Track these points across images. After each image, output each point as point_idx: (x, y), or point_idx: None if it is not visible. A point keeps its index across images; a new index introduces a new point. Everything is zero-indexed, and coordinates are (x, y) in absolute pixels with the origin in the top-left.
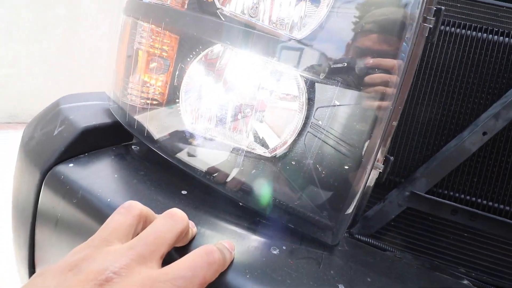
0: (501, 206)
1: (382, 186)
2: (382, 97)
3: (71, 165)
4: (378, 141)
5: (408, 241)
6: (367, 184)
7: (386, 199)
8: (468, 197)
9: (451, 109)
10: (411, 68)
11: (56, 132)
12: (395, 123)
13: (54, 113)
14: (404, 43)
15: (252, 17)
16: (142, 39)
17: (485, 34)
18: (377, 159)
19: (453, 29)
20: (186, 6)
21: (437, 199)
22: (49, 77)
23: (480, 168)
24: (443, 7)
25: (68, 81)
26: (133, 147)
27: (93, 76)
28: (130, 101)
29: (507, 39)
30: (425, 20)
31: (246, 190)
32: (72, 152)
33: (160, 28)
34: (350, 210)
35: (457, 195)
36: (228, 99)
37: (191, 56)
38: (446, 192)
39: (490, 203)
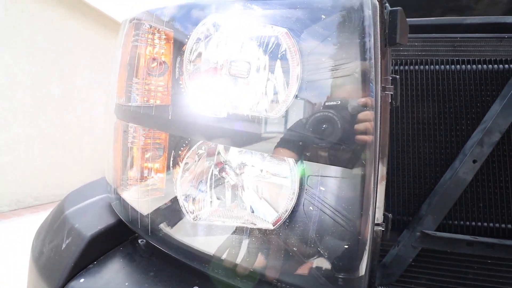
0: None
1: (392, 227)
2: (363, 164)
3: (82, 280)
4: (371, 204)
5: (434, 280)
6: (372, 243)
7: (399, 242)
8: (485, 224)
9: (436, 140)
10: (384, 132)
11: (64, 246)
12: (384, 182)
13: (60, 222)
14: (372, 112)
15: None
16: (134, 139)
17: (448, 66)
18: (376, 218)
19: (421, 67)
20: (170, 116)
21: (449, 235)
22: (47, 156)
23: (482, 192)
24: (398, 76)
25: (66, 156)
26: (139, 241)
27: (90, 146)
28: (130, 197)
29: (469, 66)
30: (384, 89)
31: (254, 277)
32: (81, 264)
33: (149, 131)
34: (362, 272)
35: (468, 223)
36: (223, 180)
37: (182, 146)
38: (456, 222)
39: (509, 226)
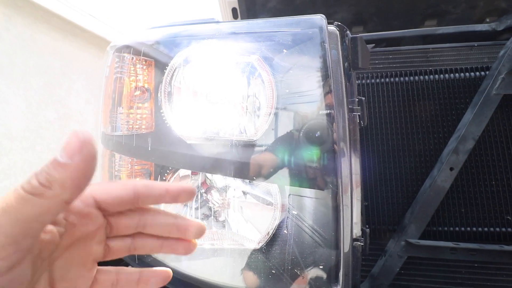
0: (497, 229)
1: (378, 237)
2: (335, 184)
3: None
4: (346, 221)
5: (423, 287)
6: (352, 258)
7: (385, 252)
8: (468, 229)
9: (415, 149)
10: (355, 150)
11: None
12: (359, 199)
13: None
14: (343, 133)
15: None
16: (121, 167)
17: (421, 76)
18: (354, 234)
19: (397, 79)
20: (149, 147)
21: (432, 243)
22: None
23: (462, 198)
24: (363, 98)
25: None
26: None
27: None
28: None
29: (441, 75)
30: (352, 110)
31: None
32: None
33: (133, 159)
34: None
35: (451, 229)
36: (208, 202)
37: (167, 172)
38: (440, 228)
39: (491, 229)
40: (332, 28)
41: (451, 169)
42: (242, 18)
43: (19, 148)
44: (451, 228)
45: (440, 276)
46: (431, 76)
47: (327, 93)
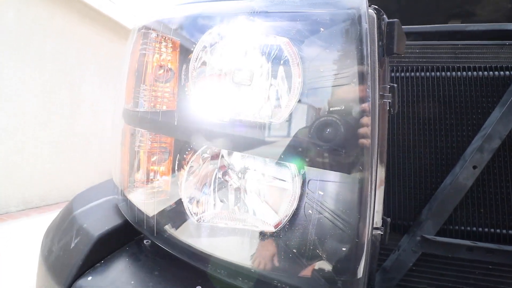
0: None
1: (393, 231)
2: (361, 169)
3: (89, 278)
4: (369, 209)
5: (434, 285)
6: (370, 247)
7: (399, 246)
8: (485, 229)
9: (437, 146)
10: (382, 138)
11: (73, 245)
12: (382, 187)
13: (68, 221)
14: (370, 118)
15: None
16: (141, 143)
17: (448, 72)
18: (375, 223)
19: (422, 73)
20: (175, 121)
21: (449, 240)
22: (55, 159)
23: (484, 198)
24: (395, 85)
25: (72, 160)
26: (145, 241)
27: (96, 151)
28: (136, 199)
29: (469, 73)
30: (382, 97)
31: (255, 277)
32: (89, 263)
33: (156, 135)
34: (360, 275)
35: (468, 228)
36: (226, 183)
37: (187, 151)
38: (457, 227)
39: (510, 231)
40: (370, 10)
41: (474, 167)
42: None
43: (33, 127)
44: (468, 228)
45: (452, 275)
46: (459, 73)
47: (360, 78)
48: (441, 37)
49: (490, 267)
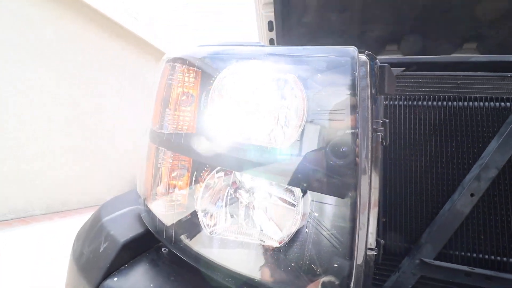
0: None
1: (394, 253)
2: (355, 195)
3: (115, 279)
4: (365, 231)
5: None
6: (365, 266)
7: (399, 268)
8: (486, 256)
9: (438, 172)
10: (375, 165)
11: (101, 249)
12: (376, 210)
13: (98, 228)
14: (363, 150)
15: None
16: (163, 161)
17: (450, 102)
18: (369, 243)
19: (424, 102)
20: (194, 144)
21: (447, 264)
22: (77, 165)
23: (483, 225)
24: (387, 120)
25: (93, 167)
26: (163, 249)
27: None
28: (157, 210)
29: (470, 103)
30: (375, 130)
31: (259, 287)
32: (115, 265)
33: (176, 154)
34: None
35: (468, 254)
36: (237, 200)
37: (204, 169)
38: (457, 253)
39: (505, 259)
40: (362, 57)
41: (472, 195)
42: (277, 31)
43: (58, 134)
44: (468, 254)
45: None
46: (460, 103)
47: (353, 113)
48: (444, 67)
49: None
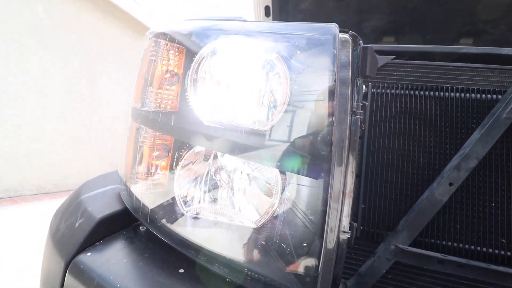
0: (489, 250)
1: (371, 240)
2: (330, 176)
3: (89, 254)
4: (337, 213)
5: None
6: (337, 248)
7: (375, 254)
8: (454, 244)
9: (420, 161)
10: (352, 150)
11: (77, 224)
12: (351, 195)
13: (75, 204)
14: (342, 132)
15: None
16: (144, 139)
17: (437, 92)
18: (342, 226)
19: (412, 92)
20: (172, 122)
21: (422, 251)
22: (70, 149)
23: (460, 215)
24: (367, 103)
25: (87, 151)
26: (140, 228)
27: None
28: (136, 189)
29: (457, 94)
30: (355, 113)
31: (232, 267)
32: (90, 241)
33: (157, 133)
34: (323, 271)
35: (443, 242)
36: (216, 182)
37: (183, 148)
38: (432, 240)
39: (478, 248)
40: (345, 36)
41: (450, 184)
42: (274, 17)
43: (53, 117)
44: (443, 242)
45: (424, 286)
46: (446, 93)
47: (332, 95)
48: (435, 57)
49: (464, 282)
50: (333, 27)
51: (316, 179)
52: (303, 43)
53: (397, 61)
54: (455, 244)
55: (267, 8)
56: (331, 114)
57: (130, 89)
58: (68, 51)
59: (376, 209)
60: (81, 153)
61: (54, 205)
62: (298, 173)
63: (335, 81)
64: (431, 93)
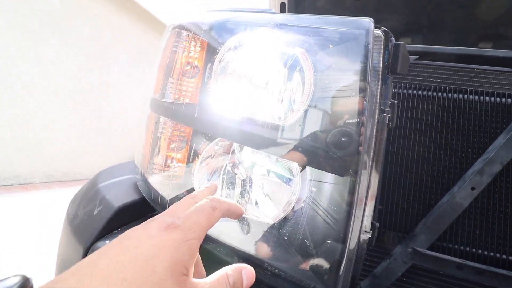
0: (510, 258)
1: (387, 242)
2: (356, 174)
3: (107, 241)
4: (361, 213)
5: None
6: (358, 248)
7: (391, 255)
8: (473, 250)
9: (440, 164)
10: (379, 149)
11: (95, 212)
12: (374, 195)
13: (93, 192)
14: (368, 130)
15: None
16: (163, 130)
17: (460, 95)
18: (364, 226)
19: (434, 93)
20: (196, 113)
21: (440, 255)
22: (81, 138)
23: (480, 220)
24: (396, 101)
25: (97, 141)
26: None
27: (119, 134)
28: (154, 180)
29: (482, 97)
30: (383, 111)
31: (251, 261)
32: (108, 229)
33: (177, 124)
34: (343, 271)
35: (462, 248)
36: (234, 175)
37: (203, 141)
38: (450, 245)
39: (498, 255)
40: (377, 32)
41: (473, 188)
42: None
43: (64, 106)
44: (462, 247)
45: None
46: (471, 96)
47: (362, 91)
48: (459, 59)
49: None
50: (368, 21)
51: (342, 176)
52: (336, 37)
53: (420, 61)
54: (474, 250)
55: (282, 5)
56: (359, 111)
57: (142, 80)
58: (80, 41)
59: (394, 211)
60: (91, 142)
61: (64, 193)
62: (321, 169)
63: (366, 77)
64: (455, 95)
